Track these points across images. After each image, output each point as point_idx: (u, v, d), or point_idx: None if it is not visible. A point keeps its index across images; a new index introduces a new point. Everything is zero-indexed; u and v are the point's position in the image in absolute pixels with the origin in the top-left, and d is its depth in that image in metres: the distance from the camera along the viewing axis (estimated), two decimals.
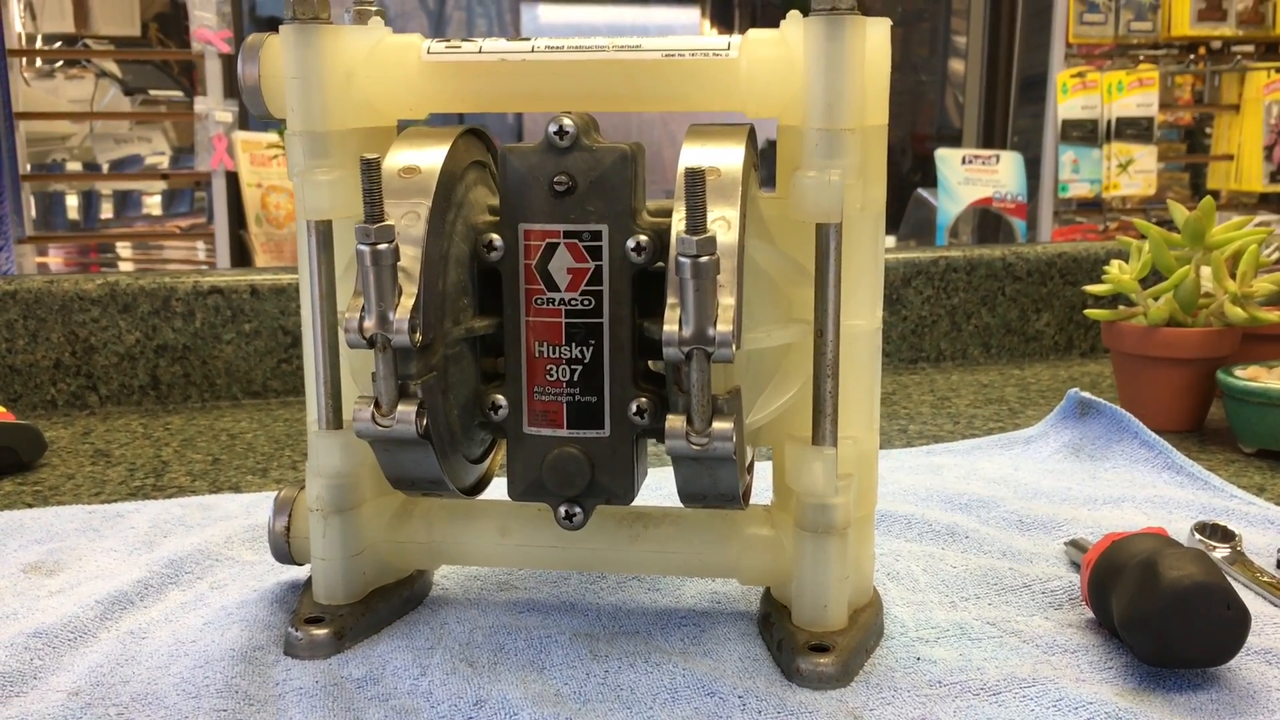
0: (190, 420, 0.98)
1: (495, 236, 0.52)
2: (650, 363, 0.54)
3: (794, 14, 0.51)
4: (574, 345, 0.52)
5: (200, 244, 2.54)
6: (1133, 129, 2.68)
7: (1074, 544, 0.64)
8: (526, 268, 0.52)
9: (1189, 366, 0.89)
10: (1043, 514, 0.70)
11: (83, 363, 1.01)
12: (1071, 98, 2.68)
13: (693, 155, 0.50)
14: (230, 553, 0.66)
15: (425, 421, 0.50)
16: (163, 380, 1.02)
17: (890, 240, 2.86)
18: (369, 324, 0.49)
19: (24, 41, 2.53)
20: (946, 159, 2.59)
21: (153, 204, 2.98)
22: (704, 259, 0.46)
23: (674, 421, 0.48)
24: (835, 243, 0.50)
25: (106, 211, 2.91)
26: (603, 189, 0.51)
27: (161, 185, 2.84)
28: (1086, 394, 0.87)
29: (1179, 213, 0.93)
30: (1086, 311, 0.96)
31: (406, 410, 0.50)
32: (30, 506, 0.76)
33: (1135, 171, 2.68)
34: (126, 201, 2.94)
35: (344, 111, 0.54)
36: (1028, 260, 1.20)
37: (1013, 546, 0.66)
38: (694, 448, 0.48)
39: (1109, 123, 2.68)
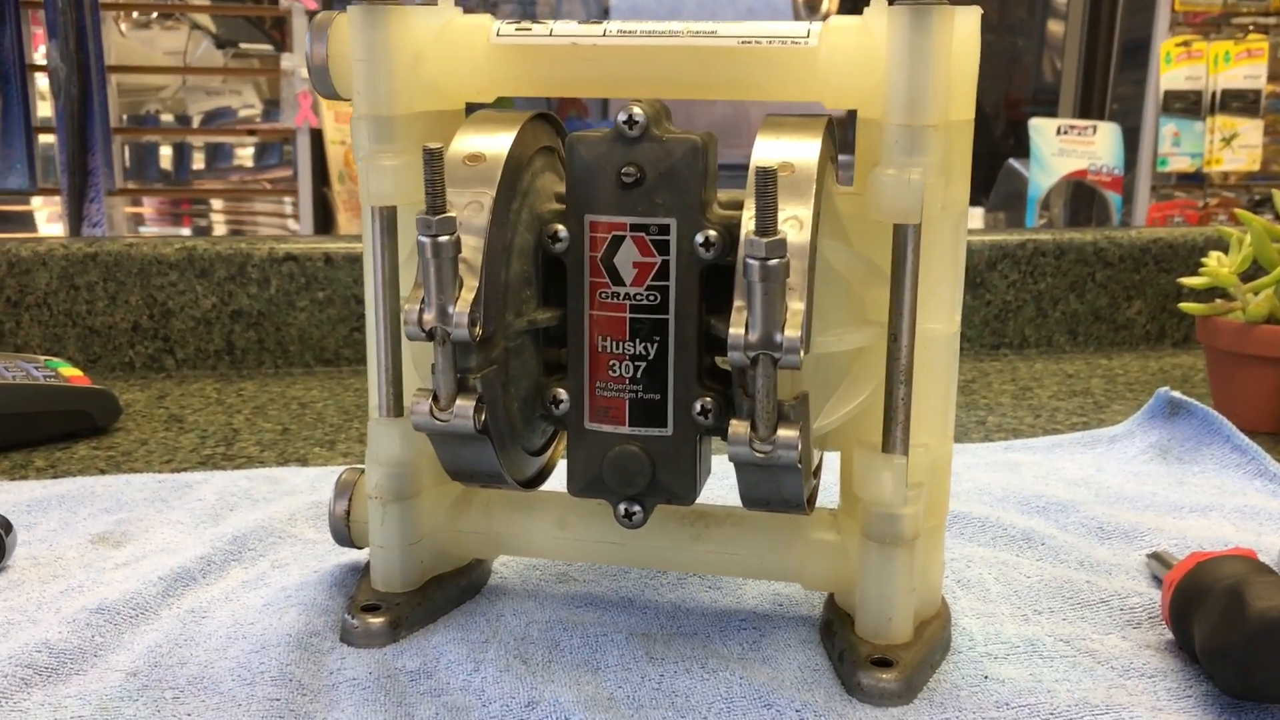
0: (263, 386, 0.99)
1: (560, 227, 0.51)
2: (717, 359, 0.52)
3: (878, 1, 0.49)
4: (638, 341, 0.50)
5: (288, 199, 2.57)
6: (1238, 101, 2.57)
7: (1156, 557, 0.62)
8: (591, 260, 0.50)
9: None
10: (1125, 521, 0.68)
11: (160, 326, 1.02)
12: (1175, 67, 2.58)
13: (767, 148, 0.48)
14: (294, 530, 0.66)
15: (484, 416, 0.49)
16: (237, 345, 1.03)
17: (978, 212, 2.79)
18: (429, 317, 0.48)
19: None
20: (1040, 129, 2.51)
21: (244, 155, 3.01)
22: (773, 262, 0.44)
23: (737, 427, 0.47)
24: (913, 244, 0.47)
25: (199, 162, 2.96)
26: (672, 181, 0.49)
27: (253, 137, 2.87)
28: (1177, 393, 0.83)
29: None
30: (1181, 305, 0.92)
31: (465, 405, 0.49)
32: (103, 472, 0.77)
33: (1239, 146, 2.58)
34: (218, 153, 2.98)
35: (411, 95, 0.52)
36: (1121, 245, 1.15)
37: (1091, 556, 0.63)
38: (758, 455, 0.46)
39: (1214, 94, 2.58)
